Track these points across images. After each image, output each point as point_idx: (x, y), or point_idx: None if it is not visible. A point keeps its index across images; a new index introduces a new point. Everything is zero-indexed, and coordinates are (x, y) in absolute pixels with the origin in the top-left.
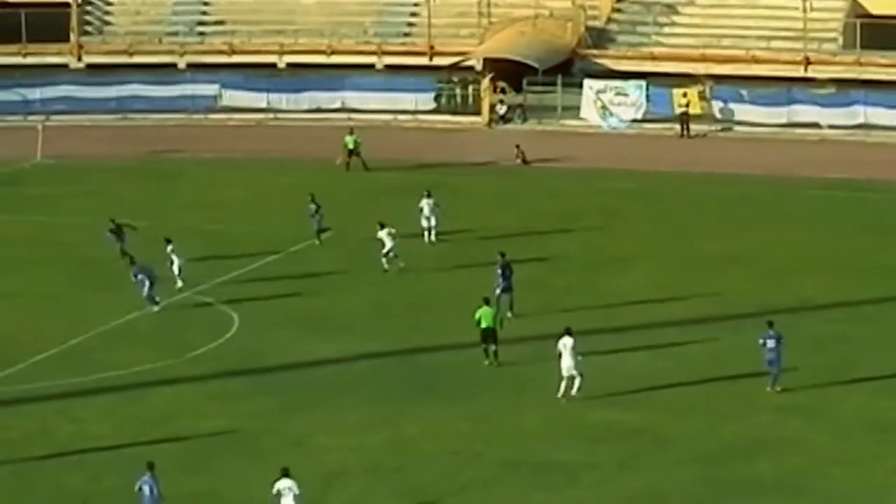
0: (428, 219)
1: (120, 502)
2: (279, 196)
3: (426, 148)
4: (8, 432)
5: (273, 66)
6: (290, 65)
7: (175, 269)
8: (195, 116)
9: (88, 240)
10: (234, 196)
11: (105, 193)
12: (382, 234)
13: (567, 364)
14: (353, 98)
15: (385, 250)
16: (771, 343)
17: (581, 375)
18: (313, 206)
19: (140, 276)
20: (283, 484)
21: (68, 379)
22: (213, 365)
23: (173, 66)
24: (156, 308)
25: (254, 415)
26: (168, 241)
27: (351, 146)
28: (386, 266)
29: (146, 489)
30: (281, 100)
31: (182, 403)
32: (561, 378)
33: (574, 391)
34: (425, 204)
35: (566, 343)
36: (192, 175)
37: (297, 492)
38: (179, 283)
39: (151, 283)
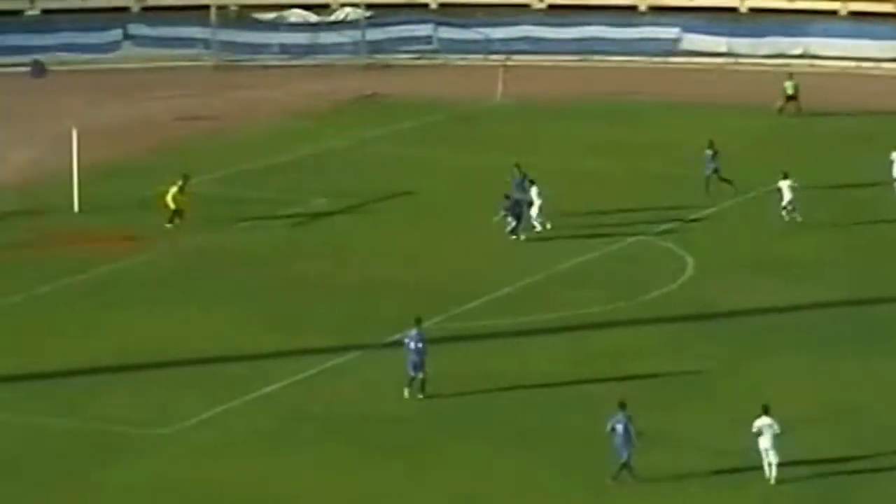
0: None
1: (571, 439)
2: (736, 141)
3: (889, 97)
4: (461, 367)
5: (734, 10)
6: (751, 9)
7: (534, 208)
8: (654, 59)
9: (546, 180)
10: (691, 140)
11: (562, 134)
12: (784, 184)
13: None
14: (816, 44)
15: (784, 202)
16: None
17: None
18: (710, 153)
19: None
20: (763, 421)
21: (521, 318)
22: (666, 308)
23: (634, 8)
24: (521, 236)
25: (707, 359)
26: (531, 183)
27: (790, 91)
28: (786, 218)
29: (619, 428)
30: (742, 45)
31: (634, 345)
32: None
33: None
34: None
35: None
36: (651, 118)
37: (777, 430)
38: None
39: (518, 219)
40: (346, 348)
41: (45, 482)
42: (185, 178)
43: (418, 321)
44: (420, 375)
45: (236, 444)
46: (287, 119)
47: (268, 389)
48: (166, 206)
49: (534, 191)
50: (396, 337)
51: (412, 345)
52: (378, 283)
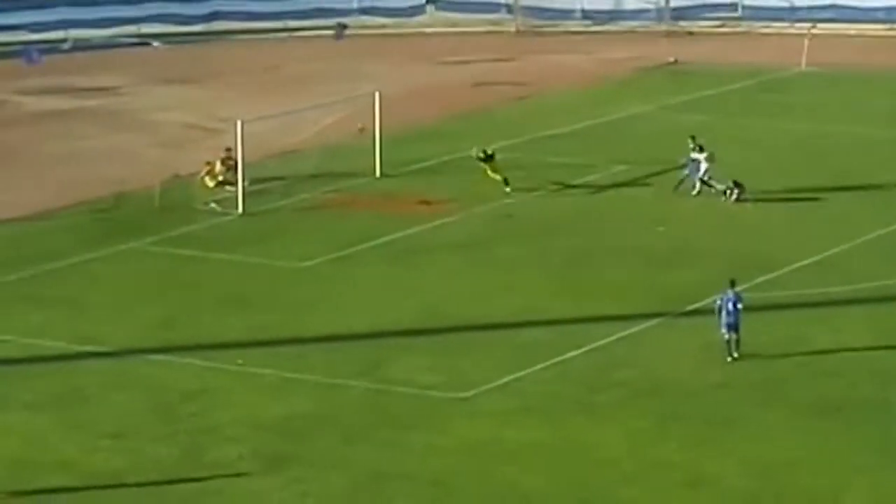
0: None
1: (873, 411)
2: None
3: None
4: (765, 336)
5: None
6: None
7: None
8: None
9: (846, 149)
10: None
11: (867, 104)
12: None
13: None
14: None
15: None
16: None
17: None
18: None
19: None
20: None
21: (826, 287)
22: None
23: None
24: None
25: None
26: (700, 149)
27: None
28: None
29: None
30: None
31: None
32: None
33: None
34: None
35: None
36: None
37: None
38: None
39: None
40: (646, 316)
41: (349, 441)
42: (486, 153)
43: (732, 283)
44: (735, 336)
45: (535, 409)
46: (588, 85)
47: (567, 356)
48: (491, 177)
49: (702, 156)
50: (697, 305)
51: (729, 306)
52: (678, 251)
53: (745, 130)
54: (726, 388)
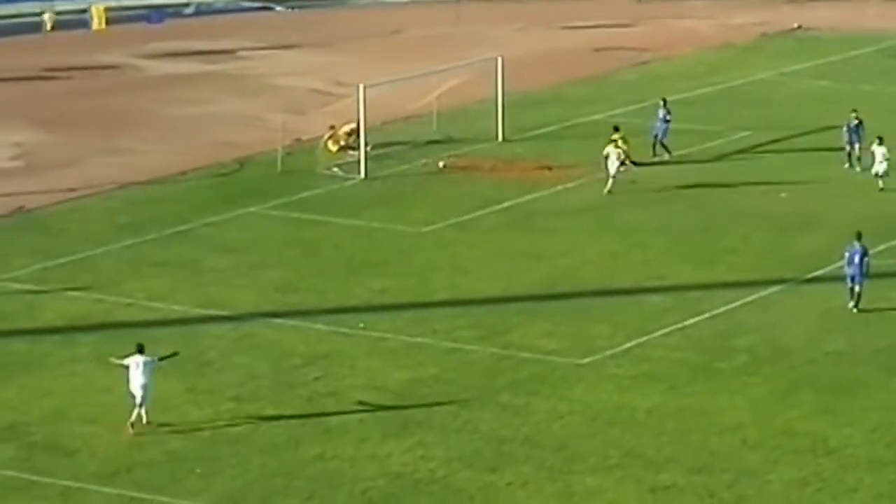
0: None
1: None
2: None
3: None
4: (889, 304)
5: None
6: None
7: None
8: None
9: None
10: None
11: None
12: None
13: None
14: None
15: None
16: None
17: None
18: None
19: None
20: None
21: None
22: None
23: None
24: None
25: None
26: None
27: None
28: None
29: None
30: None
31: None
32: None
33: None
34: None
35: None
36: None
37: None
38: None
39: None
40: (768, 282)
41: (471, 406)
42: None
43: (859, 235)
44: (858, 288)
45: (657, 375)
46: (711, 51)
47: (690, 322)
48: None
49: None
50: (820, 272)
51: (856, 258)
52: (801, 217)
53: (870, 96)
54: (850, 356)
